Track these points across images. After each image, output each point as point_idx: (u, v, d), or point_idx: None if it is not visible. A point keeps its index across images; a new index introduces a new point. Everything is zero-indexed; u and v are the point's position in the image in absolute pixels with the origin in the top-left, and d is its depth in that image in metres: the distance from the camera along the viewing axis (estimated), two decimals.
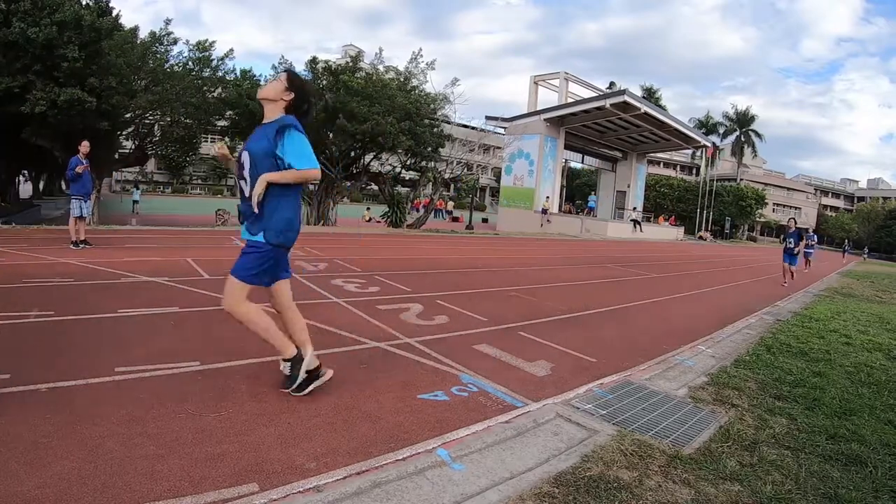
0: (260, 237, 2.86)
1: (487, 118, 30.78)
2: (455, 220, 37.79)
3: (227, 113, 18.28)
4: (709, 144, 39.35)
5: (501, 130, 31.60)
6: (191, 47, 17.06)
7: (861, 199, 76.42)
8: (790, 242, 12.63)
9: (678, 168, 71.08)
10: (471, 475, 2.40)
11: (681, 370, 4.45)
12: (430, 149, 19.12)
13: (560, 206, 32.48)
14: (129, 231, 11.89)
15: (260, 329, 3.00)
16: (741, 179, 58.13)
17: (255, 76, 18.03)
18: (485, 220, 38.88)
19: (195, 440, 2.47)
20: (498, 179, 45.99)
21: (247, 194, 2.87)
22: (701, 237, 42.16)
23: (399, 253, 11.74)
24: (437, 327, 5.04)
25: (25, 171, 33.33)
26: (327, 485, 2.20)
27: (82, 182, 8.41)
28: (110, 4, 15.52)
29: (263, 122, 2.94)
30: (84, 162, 8.27)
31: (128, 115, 16.66)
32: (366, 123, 16.16)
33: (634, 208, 35.07)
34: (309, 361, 3.11)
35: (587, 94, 31.60)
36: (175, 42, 16.73)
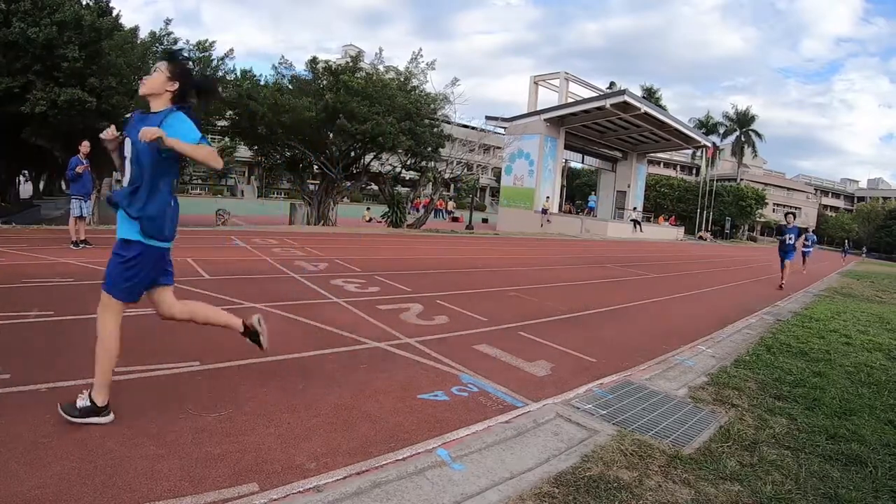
0: (135, 233, 2.57)
1: (487, 118, 30.77)
2: (455, 220, 37.79)
3: (228, 113, 18.25)
4: (709, 144, 39.35)
5: (501, 130, 31.58)
6: (191, 47, 17.06)
7: (861, 199, 76.42)
8: (789, 238, 11.78)
9: (678, 168, 71.07)
10: (471, 475, 2.40)
11: (681, 370, 4.45)
12: (430, 149, 19.11)
13: (560, 206, 32.47)
14: None
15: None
16: (741, 179, 58.11)
17: (255, 76, 18.02)
18: (485, 220, 38.88)
19: (195, 440, 2.47)
20: (498, 179, 45.95)
21: (124, 183, 2.62)
22: (701, 237, 42.15)
23: (399, 253, 11.74)
24: (437, 327, 5.04)
25: (25, 171, 33.32)
26: (327, 485, 2.20)
27: (82, 182, 8.41)
28: (110, 4, 15.52)
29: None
30: (84, 162, 8.27)
31: (128, 115, 16.66)
32: (366, 123, 16.15)
33: (634, 208, 35.07)
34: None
35: (587, 94, 31.59)
36: (175, 42, 16.73)
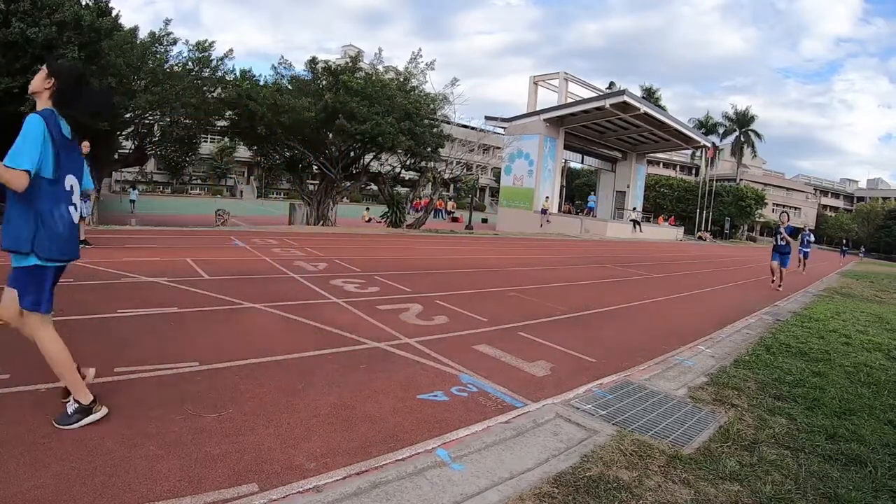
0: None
1: (487, 118, 30.78)
2: (455, 220, 37.80)
3: (227, 113, 18.25)
4: (708, 144, 39.37)
5: (501, 130, 31.59)
6: (190, 47, 17.04)
7: (861, 199, 76.47)
8: (780, 238, 11.35)
9: (678, 168, 71.10)
10: (470, 475, 2.40)
11: (680, 370, 4.45)
12: (429, 149, 19.11)
13: (560, 207, 32.48)
14: (129, 231, 11.89)
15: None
16: (741, 179, 58.13)
17: (254, 76, 18.02)
18: (484, 221, 38.87)
19: (195, 440, 2.47)
20: (497, 179, 45.98)
21: None
22: (700, 237, 42.17)
23: (399, 253, 11.74)
24: (436, 327, 5.04)
25: None
26: (327, 485, 2.20)
27: None
28: (110, 5, 15.51)
29: None
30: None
31: (127, 116, 16.64)
32: (365, 123, 16.15)
33: (634, 208, 35.07)
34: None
35: (587, 94, 31.61)
36: (175, 42, 16.72)
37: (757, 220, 56.65)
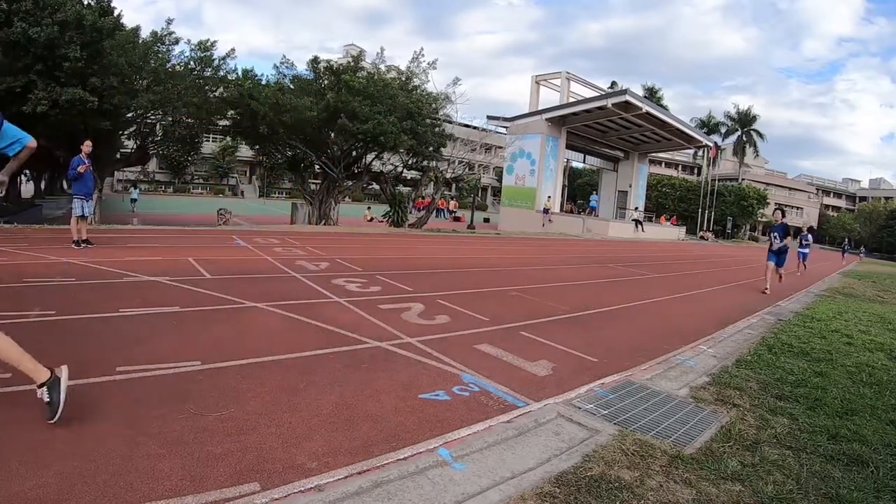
0: None
1: (489, 118, 30.76)
2: (457, 219, 37.81)
3: (229, 112, 18.26)
4: (710, 144, 39.29)
5: (503, 130, 31.57)
6: (192, 47, 17.05)
7: (863, 198, 76.26)
8: (775, 238, 10.48)
9: (680, 168, 71.00)
10: (472, 475, 2.40)
11: (682, 370, 4.44)
12: (431, 148, 19.10)
13: (562, 206, 32.45)
14: (131, 231, 11.91)
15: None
16: (743, 179, 58.03)
17: (256, 76, 18.02)
18: (486, 220, 38.88)
19: (196, 439, 2.48)
20: (499, 179, 45.98)
21: None
22: (702, 237, 42.10)
23: (400, 252, 11.74)
24: (438, 327, 5.04)
25: (27, 171, 33.37)
26: (328, 484, 2.20)
27: (84, 181, 8.42)
28: (112, 4, 15.54)
29: None
30: (86, 161, 8.28)
31: (129, 115, 16.68)
32: (367, 123, 16.14)
33: (636, 208, 35.02)
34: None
35: (589, 93, 31.55)
36: (177, 42, 16.73)
37: (759, 219, 56.52)
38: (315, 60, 18.54)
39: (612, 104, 26.04)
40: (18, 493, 1.95)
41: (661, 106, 39.61)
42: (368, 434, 2.70)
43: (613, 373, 4.14)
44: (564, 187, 35.19)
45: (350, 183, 20.63)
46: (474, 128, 29.01)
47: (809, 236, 17.76)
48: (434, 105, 19.37)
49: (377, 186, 22.59)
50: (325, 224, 18.84)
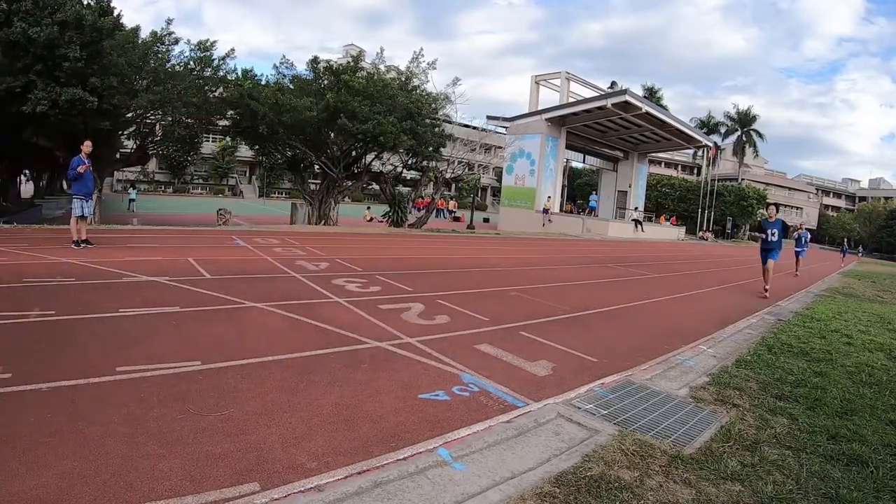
0: None
1: (489, 118, 30.76)
2: (457, 219, 37.80)
3: (229, 113, 18.23)
4: (710, 144, 39.29)
5: (503, 130, 31.57)
6: (192, 47, 17.01)
7: (863, 198, 76.28)
8: (771, 235, 9.92)
9: (679, 168, 71.01)
10: (472, 475, 2.40)
11: (682, 370, 4.44)
12: (431, 148, 19.09)
13: (561, 206, 32.45)
14: (131, 231, 11.91)
15: None
16: (742, 179, 58.04)
17: (256, 76, 18.00)
18: (486, 220, 38.86)
19: (196, 440, 2.48)
20: (499, 179, 45.97)
21: None
22: (702, 237, 42.11)
23: (400, 253, 11.74)
24: (438, 327, 5.04)
25: (27, 171, 33.37)
26: (328, 484, 2.20)
27: (84, 181, 8.41)
28: (111, 4, 15.50)
29: None
30: (86, 161, 8.27)
31: (129, 115, 16.65)
32: (367, 123, 16.14)
33: (636, 208, 35.03)
34: None
35: (588, 93, 31.56)
36: (176, 42, 16.69)
37: (759, 219, 56.50)
38: (315, 60, 18.53)
39: (612, 104, 26.04)
40: (19, 493, 1.95)
41: (661, 106, 39.62)
42: (368, 434, 2.70)
43: (613, 373, 4.14)
44: (564, 187, 35.19)
45: (350, 183, 20.61)
46: (474, 128, 29.02)
47: (808, 234, 17.24)
48: (434, 105, 19.36)
49: (377, 186, 22.58)
50: (324, 224, 18.83)
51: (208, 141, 48.04)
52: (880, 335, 6.73)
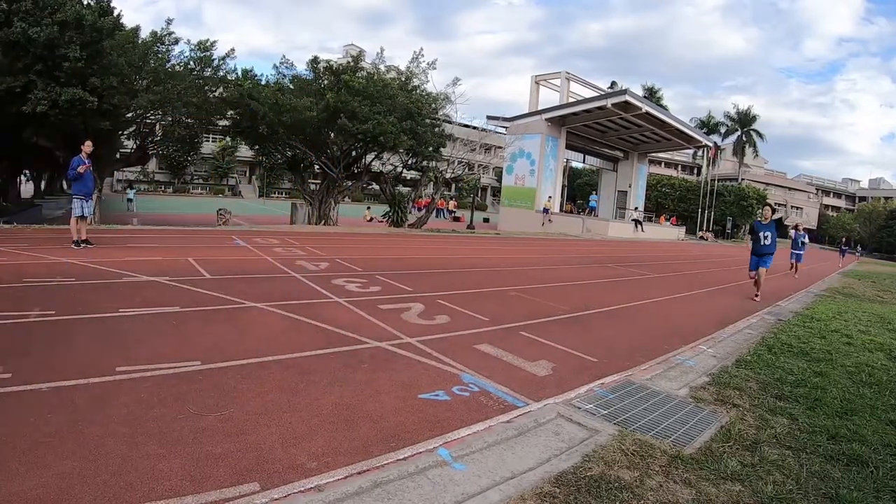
0: None
1: (489, 118, 30.76)
2: (457, 219, 37.81)
3: (229, 113, 18.24)
4: (710, 144, 39.30)
5: (503, 130, 31.57)
6: (192, 47, 17.01)
7: (863, 198, 76.28)
8: (764, 238, 9.16)
9: (679, 168, 71.02)
10: (472, 475, 2.40)
11: (682, 370, 4.44)
12: (431, 148, 19.09)
13: (561, 206, 32.46)
14: (131, 231, 11.91)
15: None
16: (742, 179, 58.05)
17: (256, 76, 18.00)
18: (486, 220, 38.87)
19: (196, 440, 2.48)
20: (499, 179, 45.98)
21: None
22: (702, 237, 42.11)
23: (400, 253, 11.74)
24: (438, 327, 5.04)
25: (27, 171, 33.36)
26: (328, 484, 2.20)
27: (84, 182, 8.41)
28: (111, 4, 15.50)
29: None
30: (87, 161, 8.27)
31: (129, 115, 16.65)
32: (367, 123, 16.14)
33: (636, 208, 35.03)
34: None
35: (588, 93, 31.56)
36: (176, 42, 16.69)
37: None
38: (315, 60, 18.53)
39: (612, 104, 26.04)
40: (19, 493, 1.95)
41: (661, 106, 39.62)
42: (368, 434, 2.70)
43: (613, 373, 4.14)
44: (564, 187, 35.20)
45: (350, 183, 20.61)
46: (474, 128, 29.01)
47: (805, 236, 16.60)
48: (434, 105, 19.36)
49: (377, 186, 22.57)
50: (324, 224, 18.83)
51: (208, 141, 48.03)
52: (880, 335, 6.73)
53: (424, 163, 20.60)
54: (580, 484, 2.36)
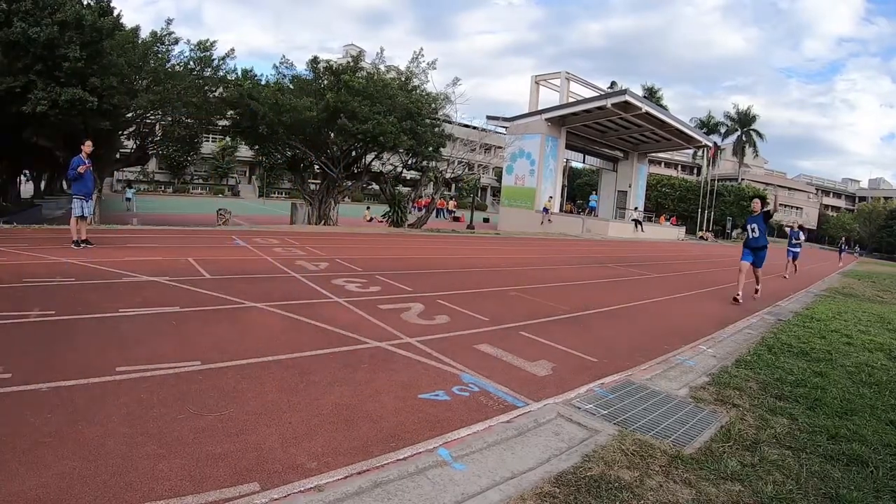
0: None
1: (489, 118, 30.74)
2: (457, 219, 37.81)
3: (229, 112, 18.24)
4: (710, 144, 39.29)
5: (503, 130, 31.56)
6: (192, 47, 17.01)
7: (862, 198, 76.26)
8: (752, 230, 8.93)
9: (679, 168, 71.04)
10: (472, 475, 2.40)
11: (682, 370, 4.44)
12: (431, 148, 19.08)
13: (561, 206, 32.45)
14: (131, 231, 11.91)
15: None
16: (742, 179, 58.10)
17: (256, 76, 18.01)
18: (486, 220, 38.87)
19: (196, 440, 2.48)
20: (499, 179, 45.98)
21: None
22: (702, 237, 42.12)
23: (400, 252, 11.74)
24: (438, 327, 5.04)
25: (27, 171, 33.37)
26: (328, 484, 2.20)
27: (84, 182, 8.41)
28: (111, 4, 15.50)
29: None
30: (87, 161, 8.27)
31: (129, 115, 16.65)
32: (367, 123, 16.14)
33: (636, 208, 35.03)
34: None
35: (588, 93, 31.55)
36: (176, 42, 16.70)
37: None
38: (315, 60, 18.53)
39: (612, 104, 26.04)
40: (19, 493, 1.95)
41: (661, 106, 39.63)
42: (368, 434, 2.70)
43: (613, 373, 4.14)
44: (564, 187, 35.19)
45: (350, 183, 20.61)
46: (474, 128, 29.02)
47: (802, 234, 16.21)
48: (434, 105, 19.36)
49: (377, 186, 22.57)
50: (324, 224, 18.84)
51: (208, 141, 48.03)
52: (880, 335, 6.73)
53: (424, 163, 20.60)
54: (580, 484, 2.36)
